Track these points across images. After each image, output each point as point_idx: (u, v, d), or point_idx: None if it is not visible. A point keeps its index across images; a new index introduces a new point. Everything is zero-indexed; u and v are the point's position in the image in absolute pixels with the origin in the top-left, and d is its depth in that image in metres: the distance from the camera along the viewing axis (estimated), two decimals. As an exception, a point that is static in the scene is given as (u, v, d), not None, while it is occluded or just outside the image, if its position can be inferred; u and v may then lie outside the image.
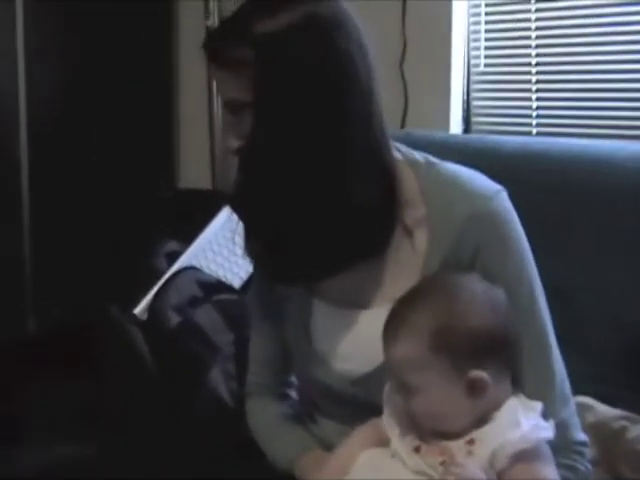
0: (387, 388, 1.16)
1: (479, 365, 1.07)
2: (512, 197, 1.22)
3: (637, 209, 1.61)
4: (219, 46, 1.14)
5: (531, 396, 1.12)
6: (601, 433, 1.47)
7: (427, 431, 1.10)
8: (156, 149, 2.69)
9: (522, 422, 1.06)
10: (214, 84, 1.27)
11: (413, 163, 1.24)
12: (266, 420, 1.40)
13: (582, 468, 1.17)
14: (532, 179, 1.71)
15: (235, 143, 1.16)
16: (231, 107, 1.15)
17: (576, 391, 1.29)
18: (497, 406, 1.09)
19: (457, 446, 1.07)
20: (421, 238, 1.20)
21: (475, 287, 1.12)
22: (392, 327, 1.11)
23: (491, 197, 1.19)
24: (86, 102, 2.45)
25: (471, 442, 1.07)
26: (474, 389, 1.07)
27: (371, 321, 1.20)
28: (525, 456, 1.04)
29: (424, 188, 1.21)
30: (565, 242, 1.67)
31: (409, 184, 1.21)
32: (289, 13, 1.09)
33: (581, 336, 1.61)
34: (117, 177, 2.47)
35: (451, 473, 1.03)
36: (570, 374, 1.23)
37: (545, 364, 1.18)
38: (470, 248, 1.17)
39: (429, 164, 1.24)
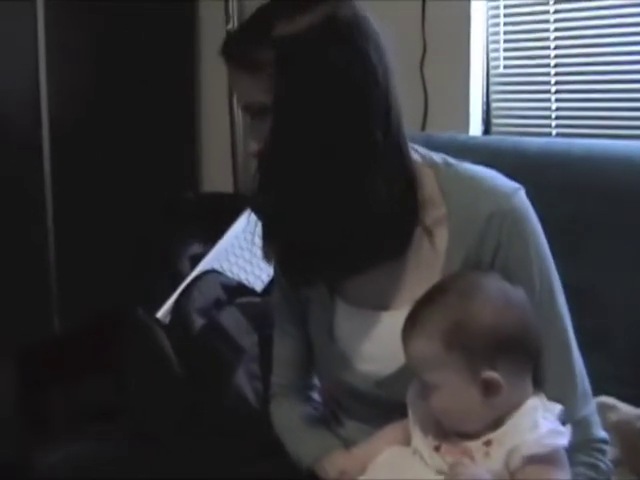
0: (411, 388, 1.17)
1: (493, 365, 1.08)
2: (533, 198, 1.23)
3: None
4: (238, 48, 1.15)
5: (552, 394, 1.13)
6: (624, 432, 1.46)
7: (447, 430, 1.11)
8: (179, 152, 2.69)
9: (540, 424, 1.07)
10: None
11: (432, 164, 1.26)
12: (291, 421, 1.41)
13: (603, 466, 1.18)
14: (553, 180, 1.71)
15: (255, 146, 1.18)
16: (250, 110, 1.17)
17: (599, 391, 1.30)
18: (516, 406, 1.09)
19: (475, 446, 1.08)
20: (441, 237, 1.22)
21: (491, 285, 1.13)
22: (409, 326, 1.12)
23: (512, 194, 1.21)
24: (108, 104, 2.46)
25: (488, 443, 1.08)
26: (488, 389, 1.08)
27: (393, 322, 1.21)
28: (539, 459, 1.05)
29: (444, 188, 1.23)
30: (587, 242, 1.67)
31: (429, 184, 1.23)
32: (309, 14, 1.11)
33: (604, 337, 1.60)
34: (140, 179, 2.47)
35: (455, 472, 1.05)
36: (593, 375, 1.23)
37: (566, 362, 1.19)
38: (491, 246, 1.19)
39: (448, 164, 1.26)
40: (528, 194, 1.23)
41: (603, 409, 1.33)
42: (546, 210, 1.24)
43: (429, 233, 1.22)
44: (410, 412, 1.17)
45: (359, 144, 1.13)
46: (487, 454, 1.07)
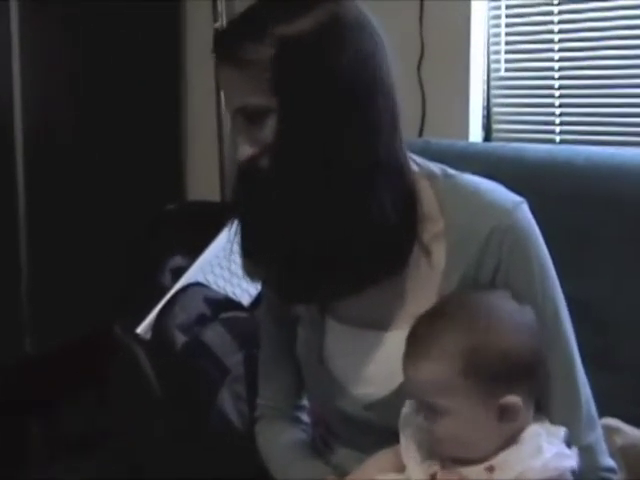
0: (403, 412, 1.15)
1: (511, 389, 1.06)
2: (535, 207, 1.21)
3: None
4: (234, 45, 1.11)
5: (556, 419, 1.13)
6: (630, 456, 1.45)
7: (446, 457, 1.09)
8: (162, 158, 2.67)
9: (545, 449, 1.06)
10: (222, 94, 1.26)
11: (430, 175, 1.22)
12: (278, 446, 1.39)
13: None
14: (556, 189, 1.69)
15: (248, 151, 1.13)
16: (244, 113, 1.12)
17: (603, 411, 1.28)
18: (520, 431, 1.08)
19: (476, 472, 1.07)
20: (439, 254, 1.19)
21: (506, 307, 1.12)
22: (419, 348, 1.09)
23: (513, 209, 1.18)
24: (87, 108, 2.43)
25: (491, 469, 1.06)
26: (506, 414, 1.06)
27: (389, 343, 1.20)
28: None
29: (442, 201, 1.20)
30: (589, 254, 1.65)
31: (426, 197, 1.20)
32: (312, 13, 1.09)
33: (607, 353, 1.59)
34: (120, 187, 2.44)
35: None
36: (596, 393, 1.21)
37: (571, 386, 1.17)
38: (491, 263, 1.16)
39: (446, 176, 1.23)
40: (529, 204, 1.21)
41: (608, 432, 1.31)
42: (548, 220, 1.22)
43: (426, 249, 1.19)
44: (402, 438, 1.15)
45: (366, 148, 1.11)
46: None
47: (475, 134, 2.18)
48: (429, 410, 1.08)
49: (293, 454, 1.36)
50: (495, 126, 2.21)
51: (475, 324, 1.07)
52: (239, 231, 1.19)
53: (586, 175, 1.70)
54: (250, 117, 1.12)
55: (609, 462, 1.19)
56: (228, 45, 1.12)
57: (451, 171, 1.24)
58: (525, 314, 1.12)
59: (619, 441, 1.46)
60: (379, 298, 1.21)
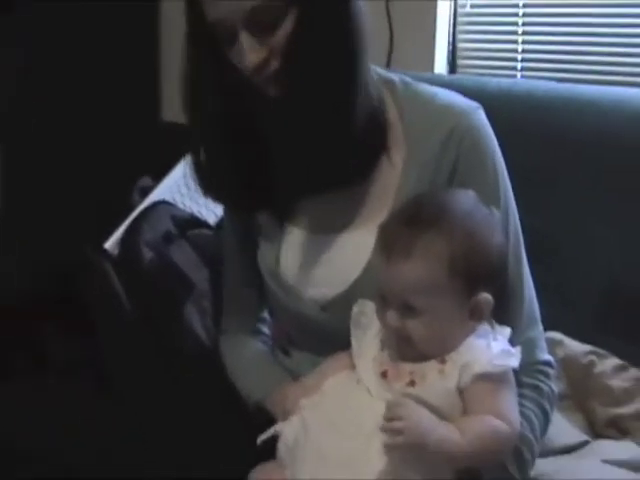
0: (354, 311, 1.18)
1: (486, 287, 1.10)
2: (498, 139, 1.23)
3: (621, 153, 1.64)
4: None
5: (498, 311, 1.15)
6: (570, 368, 1.52)
7: (401, 355, 1.11)
8: (138, 80, 2.61)
9: (492, 345, 1.10)
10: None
11: (389, 82, 1.26)
12: (241, 358, 1.43)
13: (545, 388, 1.20)
14: (516, 121, 1.73)
15: (259, 57, 1.14)
16: (256, 18, 1.12)
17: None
18: (473, 329, 1.11)
19: (429, 366, 1.09)
20: (397, 157, 1.22)
21: (481, 209, 1.14)
22: (402, 250, 1.09)
23: (472, 112, 1.22)
24: (64, 28, 2.39)
25: (442, 361, 1.09)
26: (477, 311, 1.10)
27: (343, 244, 1.23)
28: (489, 378, 1.07)
29: (401, 107, 1.24)
30: (548, 190, 1.70)
31: (387, 103, 1.23)
32: None
33: (562, 290, 1.65)
34: (96, 109, 2.41)
35: (394, 413, 1.05)
36: (547, 322, 1.26)
37: (514, 282, 1.21)
38: (449, 164, 1.20)
39: (405, 83, 1.26)
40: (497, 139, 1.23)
41: (551, 344, 1.35)
42: (507, 153, 1.24)
43: (387, 153, 1.23)
44: (353, 340, 1.19)
45: (358, 53, 1.15)
46: (441, 371, 1.08)
47: (440, 67, 2.20)
48: (406, 310, 1.09)
49: (253, 363, 1.40)
50: (460, 61, 2.23)
51: (458, 228, 1.09)
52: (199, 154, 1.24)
53: (545, 108, 1.75)
54: (261, 22, 1.13)
55: (547, 357, 1.23)
56: None
57: (409, 79, 1.27)
58: (494, 215, 1.15)
59: (561, 353, 1.52)
60: (339, 203, 1.25)
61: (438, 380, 1.09)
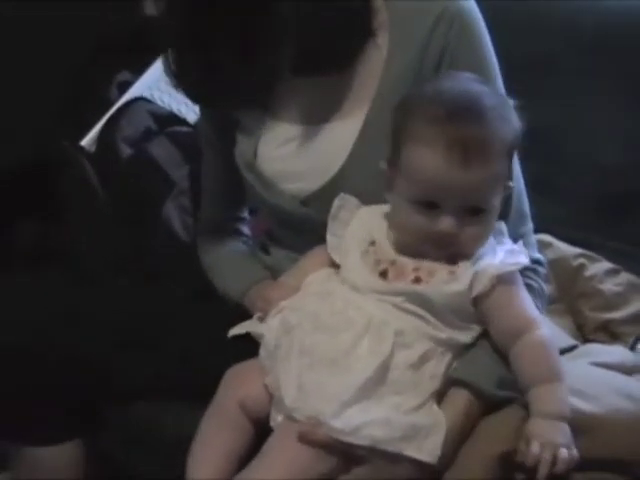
0: (335, 205, 1.18)
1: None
2: (494, 34, 1.23)
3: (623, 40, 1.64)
4: None
5: None
6: (560, 270, 1.53)
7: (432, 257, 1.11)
8: None
9: (497, 249, 1.12)
10: None
11: None
12: (219, 256, 1.44)
13: (536, 285, 1.21)
14: (515, 13, 1.72)
15: None
16: None
17: (543, 230, 1.35)
18: None
19: (437, 265, 1.10)
20: (382, 44, 1.21)
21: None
22: (477, 150, 1.05)
23: None
24: None
25: (454, 262, 1.10)
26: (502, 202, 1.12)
27: (330, 134, 1.23)
28: (507, 280, 1.09)
29: None
30: (547, 82, 1.70)
31: None
32: None
33: (555, 181, 1.67)
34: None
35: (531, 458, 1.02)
36: (538, 217, 1.27)
37: None
38: (437, 49, 1.19)
39: None
40: (487, 27, 1.22)
41: (540, 247, 1.35)
42: (505, 45, 1.23)
43: (374, 40, 1.21)
44: (329, 235, 1.19)
45: None
46: (452, 272, 1.09)
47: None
48: (467, 213, 1.08)
49: (233, 262, 1.42)
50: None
51: (497, 115, 1.08)
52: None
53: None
54: None
55: (537, 255, 1.24)
56: None
57: None
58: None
59: (550, 255, 1.52)
60: (322, 93, 1.24)
61: (448, 280, 1.08)
